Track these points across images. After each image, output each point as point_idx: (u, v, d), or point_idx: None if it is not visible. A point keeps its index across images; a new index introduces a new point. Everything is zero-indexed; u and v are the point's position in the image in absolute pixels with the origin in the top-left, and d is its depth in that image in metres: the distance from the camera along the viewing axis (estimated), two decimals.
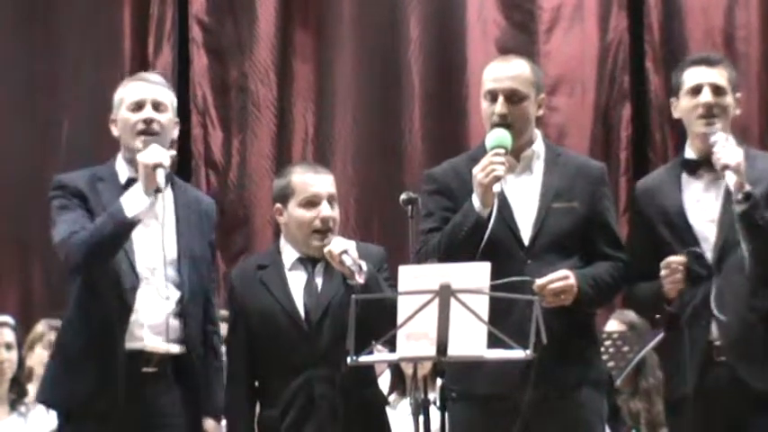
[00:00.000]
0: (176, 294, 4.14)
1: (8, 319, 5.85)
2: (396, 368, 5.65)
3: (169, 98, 4.24)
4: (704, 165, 4.20)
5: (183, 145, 7.13)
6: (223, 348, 4.39)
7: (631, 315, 5.77)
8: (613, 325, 5.77)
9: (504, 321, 3.67)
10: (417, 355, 3.60)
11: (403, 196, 4.06)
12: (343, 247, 4.10)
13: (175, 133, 4.29)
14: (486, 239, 3.90)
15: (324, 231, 4.24)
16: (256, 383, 4.31)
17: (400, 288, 3.56)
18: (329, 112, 7.14)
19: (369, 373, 4.29)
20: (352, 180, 7.01)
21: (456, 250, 3.93)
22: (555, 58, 6.92)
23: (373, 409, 4.31)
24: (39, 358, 5.74)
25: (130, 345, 4.07)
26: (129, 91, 4.21)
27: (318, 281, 4.28)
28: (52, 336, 5.42)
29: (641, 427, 5.64)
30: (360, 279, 4.01)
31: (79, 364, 4.08)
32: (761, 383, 4.05)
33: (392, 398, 5.61)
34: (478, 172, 3.94)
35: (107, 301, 4.07)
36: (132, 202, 3.99)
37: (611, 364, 5.22)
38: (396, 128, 7.05)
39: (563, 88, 6.92)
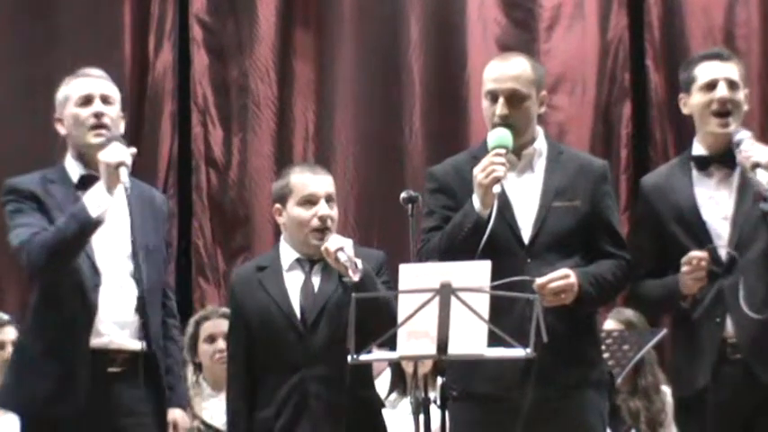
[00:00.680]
0: (136, 289, 4.13)
1: (8, 317, 5.87)
2: (396, 367, 5.65)
3: (115, 92, 4.25)
4: (715, 161, 4.19)
5: (184, 144, 7.15)
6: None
7: (629, 313, 5.77)
8: (611, 324, 5.77)
9: (505, 320, 3.67)
10: (418, 353, 3.60)
11: (403, 195, 4.07)
12: (339, 245, 4.11)
13: (122, 127, 4.26)
14: (487, 238, 3.90)
15: (322, 230, 4.25)
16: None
17: (401, 286, 3.56)
18: (330, 111, 7.14)
19: (365, 374, 4.30)
20: (353, 178, 7.01)
21: (456, 250, 3.92)
22: (555, 57, 6.91)
23: (369, 410, 4.31)
24: None
25: (96, 341, 4.06)
26: (74, 87, 4.21)
27: (316, 281, 4.29)
28: None
29: (641, 425, 5.64)
30: (355, 276, 4.02)
31: (40, 366, 4.06)
32: None
33: (393, 397, 5.61)
34: (479, 172, 3.94)
35: (69, 301, 4.05)
36: (95, 202, 3.97)
37: (611, 362, 5.21)
38: (396, 126, 7.05)
39: (563, 86, 6.91)
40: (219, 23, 7.22)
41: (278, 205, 4.36)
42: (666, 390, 5.61)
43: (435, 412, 3.70)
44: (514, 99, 4.10)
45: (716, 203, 4.18)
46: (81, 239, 4.01)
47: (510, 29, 7.02)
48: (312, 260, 4.31)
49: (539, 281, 3.94)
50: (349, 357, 3.56)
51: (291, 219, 4.32)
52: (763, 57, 6.73)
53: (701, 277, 4.03)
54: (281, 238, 4.41)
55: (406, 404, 5.50)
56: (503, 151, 3.97)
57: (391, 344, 3.59)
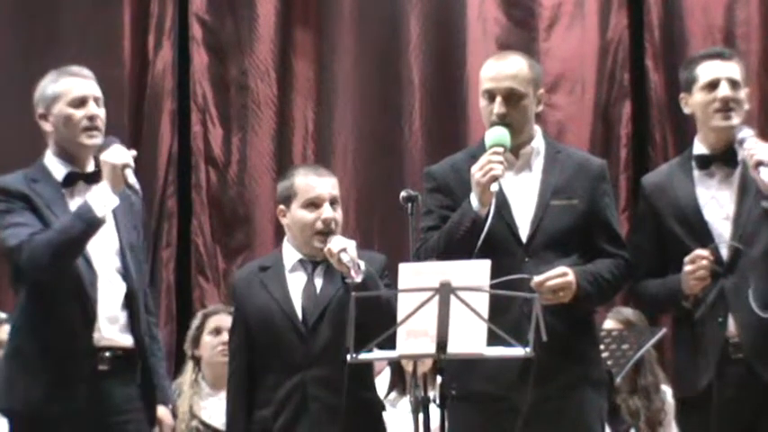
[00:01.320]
0: (123, 285, 4.17)
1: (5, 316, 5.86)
2: (396, 366, 5.65)
3: (101, 93, 4.28)
4: (717, 160, 4.19)
5: (183, 142, 7.15)
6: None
7: (628, 313, 5.77)
8: (610, 323, 5.77)
9: (504, 319, 3.68)
10: (417, 352, 3.61)
11: (403, 194, 4.07)
12: (342, 246, 4.11)
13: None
14: (485, 237, 3.91)
15: (325, 233, 4.25)
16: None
17: (401, 285, 3.56)
18: (329, 110, 7.14)
19: (365, 375, 4.30)
20: (352, 177, 7.00)
21: (454, 249, 3.93)
22: (555, 56, 6.91)
23: (369, 412, 4.32)
24: None
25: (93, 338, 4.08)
26: (66, 86, 4.22)
27: (318, 282, 4.29)
28: None
29: (640, 425, 5.64)
30: (357, 278, 4.02)
31: (37, 365, 4.06)
32: None
33: (392, 396, 5.61)
34: (476, 171, 3.94)
35: (66, 299, 4.07)
36: (101, 202, 4.02)
37: (610, 362, 5.21)
38: (396, 125, 7.05)
39: (563, 86, 6.91)
40: (219, 22, 7.22)
41: (282, 206, 4.37)
42: (666, 389, 5.62)
43: (435, 411, 3.70)
44: (512, 98, 4.10)
45: (718, 203, 4.18)
46: (86, 239, 4.03)
47: (510, 28, 7.01)
48: (315, 261, 4.31)
49: (537, 278, 3.95)
50: (348, 356, 3.56)
51: (295, 221, 4.32)
52: (763, 56, 6.72)
53: (704, 276, 4.02)
54: (285, 238, 4.41)
55: (405, 403, 5.50)
56: (501, 150, 3.97)
57: (391, 343, 3.60)
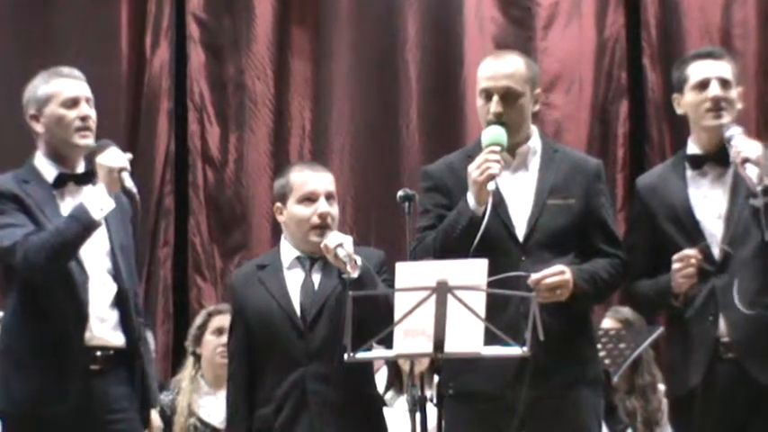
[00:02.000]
0: (114, 286, 4.18)
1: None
2: (393, 365, 5.65)
3: (92, 94, 4.29)
4: (710, 160, 4.19)
5: (180, 141, 7.15)
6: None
7: (626, 312, 5.77)
8: (608, 322, 5.77)
9: (501, 318, 3.68)
10: (414, 351, 3.61)
11: (400, 193, 4.07)
12: (338, 241, 4.11)
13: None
14: (481, 236, 3.91)
15: (322, 227, 4.25)
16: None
17: (398, 285, 3.56)
18: (326, 109, 7.14)
19: (366, 371, 4.30)
20: (349, 176, 7.00)
21: (451, 248, 3.93)
22: (552, 55, 6.91)
23: (369, 407, 4.31)
24: None
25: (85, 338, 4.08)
26: (58, 87, 4.23)
27: (316, 279, 4.29)
28: None
29: (638, 424, 5.64)
30: (354, 273, 4.02)
31: (29, 365, 4.06)
32: None
33: (389, 395, 5.61)
34: (473, 170, 3.95)
35: (58, 299, 4.07)
36: (97, 204, 4.02)
37: (607, 361, 5.21)
38: (393, 124, 7.05)
39: (560, 85, 6.91)
40: (216, 21, 7.22)
41: (278, 204, 4.36)
42: (664, 388, 5.62)
43: (432, 410, 3.70)
44: (509, 97, 4.10)
45: (710, 202, 4.18)
46: (81, 241, 4.04)
47: (507, 27, 7.01)
48: (312, 258, 4.31)
49: (534, 276, 3.95)
50: (345, 355, 3.56)
51: (291, 216, 4.32)
52: (760, 56, 6.72)
53: (691, 275, 4.03)
54: (282, 236, 4.41)
55: (402, 402, 5.49)
56: (497, 148, 3.98)
57: (388, 342, 3.60)
